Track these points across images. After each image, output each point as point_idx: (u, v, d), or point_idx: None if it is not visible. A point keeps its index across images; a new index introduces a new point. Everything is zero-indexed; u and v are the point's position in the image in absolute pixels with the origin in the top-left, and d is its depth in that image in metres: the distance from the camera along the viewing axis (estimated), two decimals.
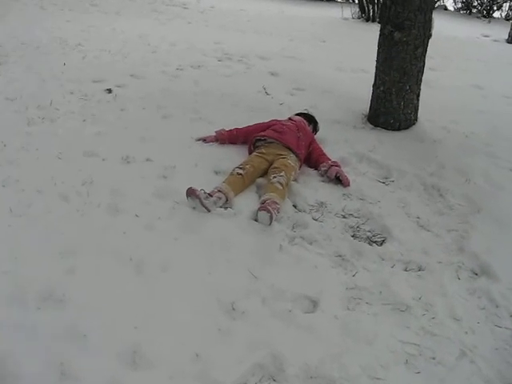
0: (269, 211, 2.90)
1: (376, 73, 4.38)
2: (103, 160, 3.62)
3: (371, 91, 4.51)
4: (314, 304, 2.45)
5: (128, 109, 4.53)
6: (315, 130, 4.13)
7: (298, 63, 6.43)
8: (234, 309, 2.34)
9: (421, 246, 2.92)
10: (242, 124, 4.07)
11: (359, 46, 7.60)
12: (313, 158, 3.71)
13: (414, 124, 4.42)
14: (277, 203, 3.01)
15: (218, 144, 3.92)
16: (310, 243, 2.87)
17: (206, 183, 3.23)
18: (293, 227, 3.00)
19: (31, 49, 6.26)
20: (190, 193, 3.02)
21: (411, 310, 2.44)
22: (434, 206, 3.37)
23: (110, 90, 4.91)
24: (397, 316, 2.41)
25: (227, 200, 3.15)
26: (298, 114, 4.13)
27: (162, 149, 3.78)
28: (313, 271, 2.65)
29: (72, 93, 4.83)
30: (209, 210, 3.01)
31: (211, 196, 3.07)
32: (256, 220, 2.98)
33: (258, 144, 3.69)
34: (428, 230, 3.10)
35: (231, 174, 3.31)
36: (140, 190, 3.24)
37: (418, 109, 4.43)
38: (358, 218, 3.17)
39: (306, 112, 4.23)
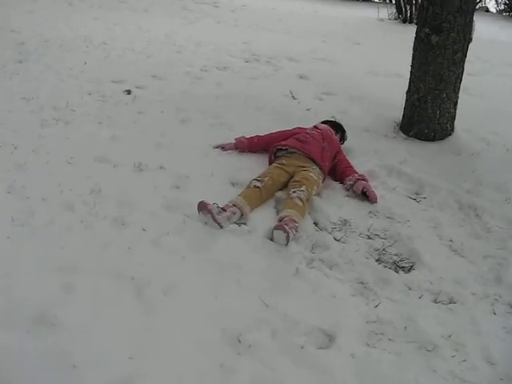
0: (285, 231, 2.69)
1: (410, 79, 4.11)
2: (114, 167, 3.47)
3: (405, 98, 4.23)
4: (330, 338, 2.22)
5: (146, 112, 4.38)
6: (342, 139, 3.89)
7: (329, 66, 6.19)
8: (240, 341, 2.13)
9: (453, 275, 2.66)
10: (265, 131, 3.87)
11: (395, 48, 7.32)
12: (338, 171, 3.48)
13: (450, 134, 4.14)
14: (295, 221, 2.80)
15: (238, 152, 3.73)
16: (330, 267, 2.64)
17: (222, 195, 3.06)
18: (312, 248, 2.78)
19: (54, 47, 6.19)
20: (202, 207, 2.83)
21: (439, 350, 2.19)
22: (470, 227, 3.10)
23: (129, 92, 4.78)
24: (422, 357, 2.16)
25: (242, 215, 2.95)
26: (324, 122, 3.90)
27: (177, 156, 3.61)
28: (331, 300, 2.42)
29: (90, 93, 4.71)
30: (221, 227, 2.81)
31: (224, 211, 2.88)
32: (271, 239, 2.76)
33: (278, 154, 3.48)
34: (462, 256, 2.84)
35: (248, 186, 3.11)
36: (150, 200, 3.07)
37: (454, 118, 4.14)
38: (385, 239, 2.93)
39: (333, 120, 3.99)
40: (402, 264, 2.73)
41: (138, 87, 4.90)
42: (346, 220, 3.06)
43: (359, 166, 3.62)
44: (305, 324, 2.26)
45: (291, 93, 4.96)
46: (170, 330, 2.18)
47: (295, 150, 3.39)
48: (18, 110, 4.34)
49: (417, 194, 3.43)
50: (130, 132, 3.98)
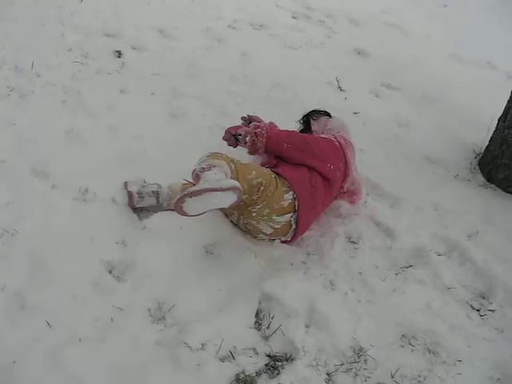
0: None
1: (509, 105, 2.91)
2: (52, 188, 2.57)
3: (495, 125, 3.06)
4: None
5: (130, 90, 3.40)
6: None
7: (400, 37, 4.90)
8: None
9: None
10: None
11: (493, 18, 5.85)
12: None
13: None
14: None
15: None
16: None
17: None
18: None
19: None
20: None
21: None
22: None
23: (119, 54, 3.74)
24: None
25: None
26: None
27: (148, 179, 2.66)
28: None
29: (70, 50, 3.73)
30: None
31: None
32: None
33: None
34: None
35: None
36: (77, 266, 2.20)
37: None
38: None
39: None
40: None
41: (133, 47, 3.86)
42: (361, 349, 2.05)
43: (404, 233, 2.58)
44: None
45: (338, 81, 3.80)
46: None
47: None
48: None
49: (483, 299, 2.38)
50: (94, 125, 3.04)
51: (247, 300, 2.14)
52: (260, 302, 2.17)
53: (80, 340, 1.94)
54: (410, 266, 2.45)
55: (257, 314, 2.13)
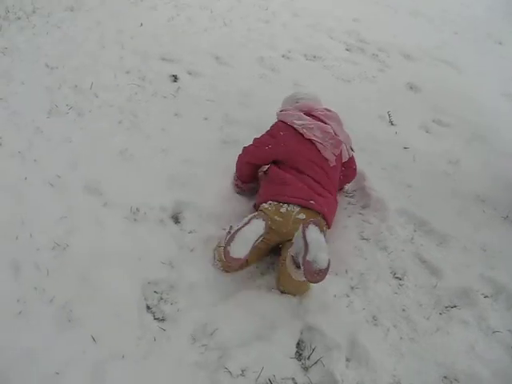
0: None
1: None
2: (104, 205, 2.64)
3: None
4: None
5: (185, 114, 3.48)
6: None
7: (453, 74, 4.87)
8: None
9: None
10: None
11: None
12: None
13: None
14: None
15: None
16: None
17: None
18: None
19: None
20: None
21: None
22: None
23: (175, 78, 3.84)
24: None
25: None
26: None
27: (197, 203, 2.71)
28: None
29: (128, 72, 3.88)
30: None
31: None
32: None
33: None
34: None
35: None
36: (125, 282, 2.28)
37: None
38: None
39: None
40: None
41: (189, 72, 3.97)
42: None
43: (450, 272, 2.54)
44: None
45: (389, 115, 3.80)
46: None
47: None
48: (33, 83, 3.66)
49: None
50: (149, 146, 3.12)
51: (289, 329, 2.15)
52: (302, 333, 2.17)
53: (123, 357, 1.98)
54: (455, 306, 2.41)
55: (298, 344, 2.13)
